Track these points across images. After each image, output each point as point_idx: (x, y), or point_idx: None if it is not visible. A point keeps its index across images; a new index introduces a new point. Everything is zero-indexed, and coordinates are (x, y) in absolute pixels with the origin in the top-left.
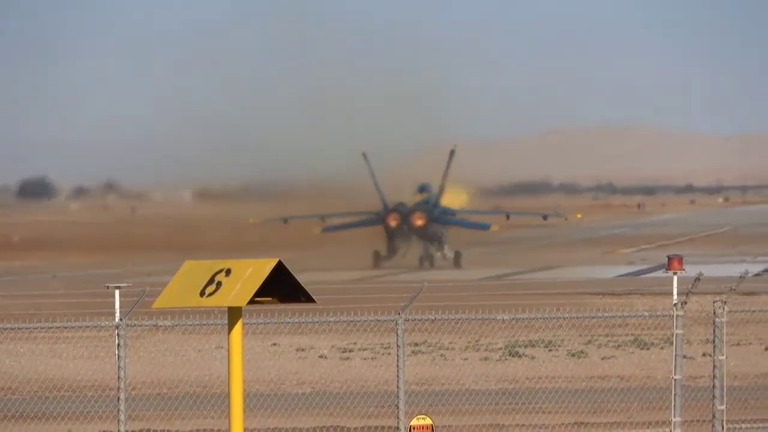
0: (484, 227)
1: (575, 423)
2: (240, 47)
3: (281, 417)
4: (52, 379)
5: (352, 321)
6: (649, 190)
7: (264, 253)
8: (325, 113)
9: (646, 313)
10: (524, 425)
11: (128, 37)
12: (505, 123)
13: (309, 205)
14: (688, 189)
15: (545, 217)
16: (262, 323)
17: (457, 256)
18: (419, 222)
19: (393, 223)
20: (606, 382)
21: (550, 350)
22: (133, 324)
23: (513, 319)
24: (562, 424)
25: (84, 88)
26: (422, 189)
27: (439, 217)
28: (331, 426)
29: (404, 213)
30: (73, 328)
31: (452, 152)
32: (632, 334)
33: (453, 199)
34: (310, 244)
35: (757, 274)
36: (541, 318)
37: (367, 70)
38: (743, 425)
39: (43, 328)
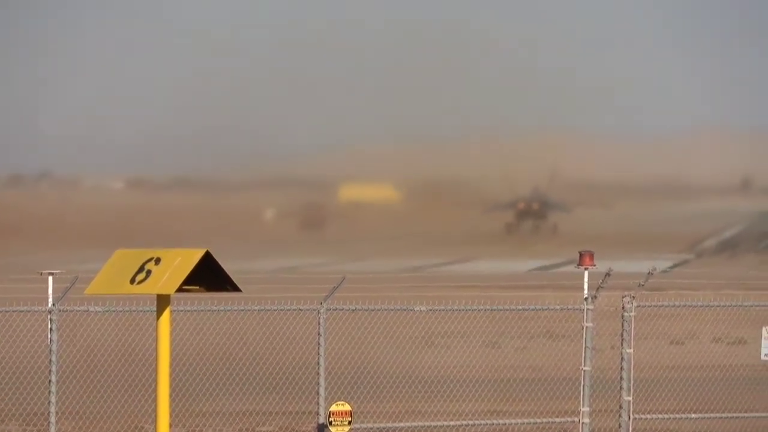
0: (565, 209)
1: (489, 410)
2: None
3: (206, 400)
4: None
5: (275, 310)
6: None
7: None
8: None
9: (557, 306)
10: (440, 411)
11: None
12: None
13: (250, 197)
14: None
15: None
16: (189, 310)
17: (554, 227)
18: (536, 207)
19: (521, 207)
20: (518, 372)
21: (465, 341)
22: (65, 309)
23: (430, 310)
24: (477, 411)
25: (20, 76)
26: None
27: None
28: (254, 410)
29: (528, 201)
30: (6, 312)
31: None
32: (544, 327)
33: (376, 191)
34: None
35: (663, 271)
36: (456, 310)
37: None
38: (648, 415)
39: None
